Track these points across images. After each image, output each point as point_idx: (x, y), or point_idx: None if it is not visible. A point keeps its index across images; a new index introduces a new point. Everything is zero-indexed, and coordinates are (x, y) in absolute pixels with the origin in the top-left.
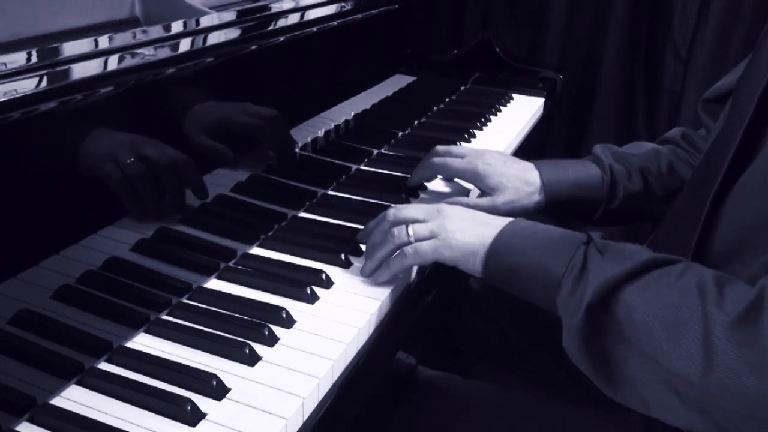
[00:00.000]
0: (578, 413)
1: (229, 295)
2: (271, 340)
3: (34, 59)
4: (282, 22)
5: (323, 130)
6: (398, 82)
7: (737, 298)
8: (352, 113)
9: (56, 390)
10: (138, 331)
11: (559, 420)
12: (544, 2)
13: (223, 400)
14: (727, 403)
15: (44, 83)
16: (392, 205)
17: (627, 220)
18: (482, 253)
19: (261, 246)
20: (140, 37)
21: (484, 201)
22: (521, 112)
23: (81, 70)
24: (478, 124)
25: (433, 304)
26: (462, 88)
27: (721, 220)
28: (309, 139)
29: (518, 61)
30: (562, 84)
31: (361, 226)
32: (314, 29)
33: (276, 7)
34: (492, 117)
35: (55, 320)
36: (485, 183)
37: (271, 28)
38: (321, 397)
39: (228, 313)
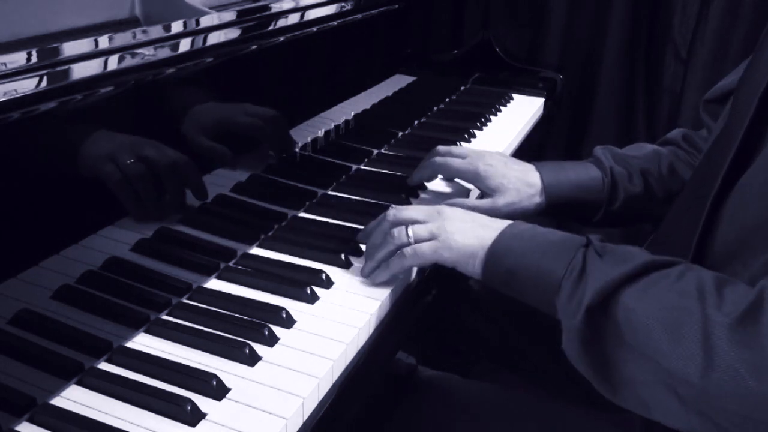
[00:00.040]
0: (578, 413)
1: (229, 295)
2: (271, 340)
3: (34, 59)
4: (282, 22)
5: (323, 130)
6: (398, 82)
7: (737, 300)
8: (352, 113)
9: (56, 390)
10: (138, 331)
11: (559, 420)
12: (544, 2)
13: (223, 400)
14: (727, 404)
15: (44, 83)
16: (392, 205)
17: (627, 221)
18: (481, 255)
19: (261, 246)
20: (140, 37)
21: (485, 203)
22: (521, 112)
23: (81, 70)
24: (478, 124)
25: (433, 304)
26: (462, 88)
27: (722, 220)
28: (309, 139)
29: (518, 61)
30: (562, 84)
31: (361, 226)
32: (314, 29)
33: (276, 7)
34: (492, 117)
35: (55, 320)
36: (486, 184)
37: (271, 28)
38: (321, 397)
39: (228, 313)
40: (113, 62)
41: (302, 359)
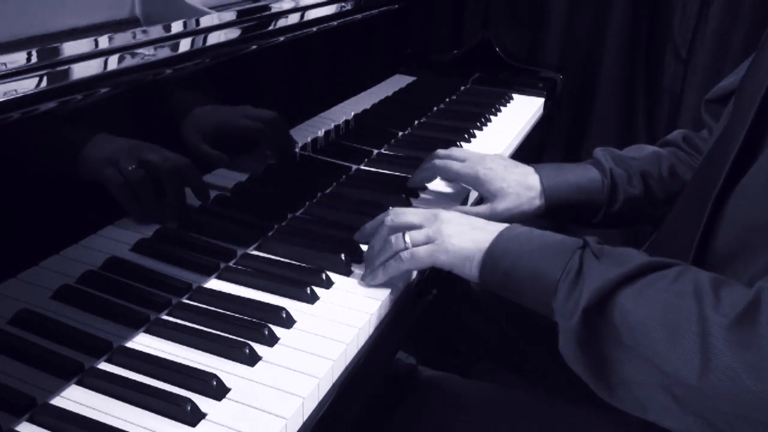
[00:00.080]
0: (578, 413)
1: (229, 295)
2: (271, 340)
3: (34, 59)
4: (282, 22)
5: (323, 130)
6: (398, 82)
7: (734, 300)
8: (352, 113)
9: (56, 390)
10: (138, 331)
11: (559, 420)
12: (544, 2)
13: (223, 400)
14: (725, 404)
15: (44, 83)
16: (390, 207)
17: (627, 223)
18: (478, 258)
19: (261, 246)
20: (140, 37)
21: (483, 209)
22: (521, 112)
23: (81, 70)
24: (478, 124)
25: (433, 305)
26: (462, 88)
27: (723, 221)
28: (309, 139)
29: (518, 61)
30: (562, 84)
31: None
32: (314, 29)
33: (276, 7)
34: (492, 117)
35: (55, 320)
36: (486, 189)
37: (271, 28)
38: (321, 397)
39: (228, 313)
40: (113, 62)
41: (302, 359)
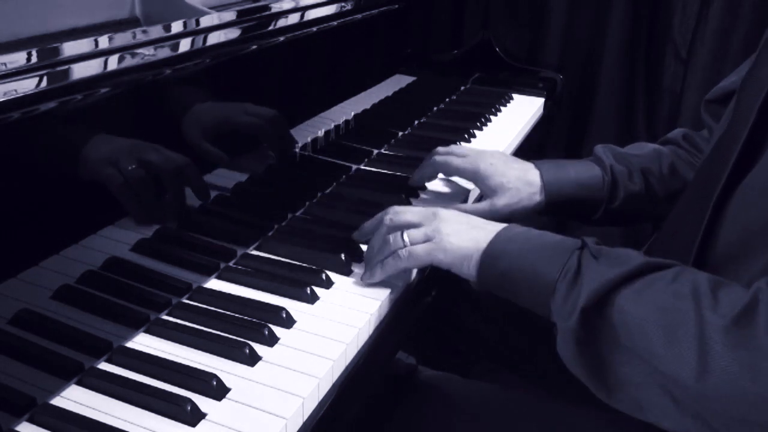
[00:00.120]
0: (578, 413)
1: (229, 295)
2: (271, 340)
3: (34, 59)
4: (282, 22)
5: (323, 130)
6: (398, 82)
7: (732, 301)
8: (352, 113)
9: (56, 390)
10: (138, 331)
11: (559, 420)
12: (544, 2)
13: (223, 400)
14: (723, 406)
15: (44, 83)
16: (390, 207)
17: (627, 220)
18: (476, 258)
19: (261, 246)
20: (140, 37)
21: (483, 205)
22: (521, 112)
23: (81, 70)
24: (478, 124)
25: (432, 305)
26: (462, 88)
27: (724, 222)
28: (309, 139)
29: (518, 61)
30: (562, 84)
31: None
32: (314, 29)
33: (276, 7)
34: (492, 117)
35: (55, 320)
36: (486, 183)
37: (271, 28)
38: (321, 397)
39: (228, 313)
40: (113, 62)
41: (302, 359)
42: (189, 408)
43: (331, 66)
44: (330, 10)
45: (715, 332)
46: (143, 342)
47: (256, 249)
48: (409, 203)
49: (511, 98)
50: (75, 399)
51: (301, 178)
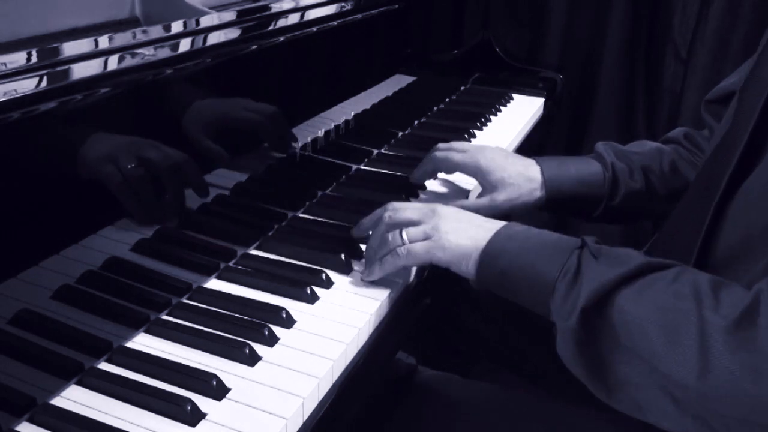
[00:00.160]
0: (578, 413)
1: (229, 295)
2: (271, 340)
3: (34, 59)
4: (282, 22)
5: (323, 130)
6: (398, 82)
7: (733, 302)
8: (352, 113)
9: (56, 390)
10: (138, 331)
11: (559, 420)
12: (544, 2)
13: (223, 400)
14: (724, 407)
15: (44, 83)
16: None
17: (628, 218)
18: (475, 256)
19: (261, 246)
20: (140, 37)
21: (483, 200)
22: (521, 112)
23: (81, 70)
24: (478, 124)
25: (432, 304)
26: (462, 88)
27: (726, 223)
28: (309, 139)
29: (518, 61)
30: (562, 84)
31: None
32: (314, 29)
33: (276, 7)
34: (492, 117)
35: (55, 320)
36: (487, 178)
37: (271, 28)
38: (321, 397)
39: (228, 313)
40: (113, 62)
41: (302, 359)
42: (189, 408)
43: (331, 66)
44: (330, 10)
45: (716, 333)
46: (143, 342)
47: (256, 249)
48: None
49: (511, 98)
50: (75, 399)
51: (301, 178)
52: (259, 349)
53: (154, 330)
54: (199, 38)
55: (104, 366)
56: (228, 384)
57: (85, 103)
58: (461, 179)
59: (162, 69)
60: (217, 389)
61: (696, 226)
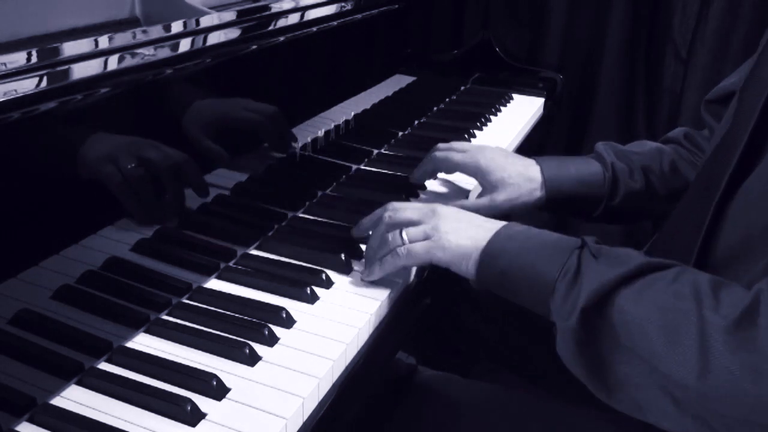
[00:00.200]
0: (578, 413)
1: (229, 295)
2: (271, 340)
3: (34, 59)
4: (282, 22)
5: (323, 130)
6: (398, 82)
7: (733, 302)
8: (352, 113)
9: (56, 390)
10: (138, 331)
11: (559, 420)
12: (544, 2)
13: (223, 400)
14: (724, 407)
15: (44, 83)
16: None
17: (628, 218)
18: (475, 256)
19: (261, 246)
20: (140, 37)
21: (483, 200)
22: (521, 112)
23: (81, 70)
24: (478, 124)
25: (432, 304)
26: (462, 88)
27: (726, 223)
28: (309, 139)
29: (518, 61)
30: (562, 84)
31: None
32: (314, 29)
33: (276, 7)
34: (492, 117)
35: (55, 320)
36: (487, 178)
37: (271, 28)
38: (321, 397)
39: (228, 313)
40: (113, 62)
41: (302, 359)
42: (189, 408)
43: (331, 66)
44: (330, 10)
45: (716, 333)
46: (143, 342)
47: (256, 249)
48: None
49: (511, 98)
50: (75, 399)
51: (301, 178)
52: (259, 349)
53: (154, 330)
54: (199, 38)
55: (104, 366)
56: (228, 384)
57: (85, 103)
58: (461, 179)
59: (162, 69)
60: (217, 389)
61: (696, 226)
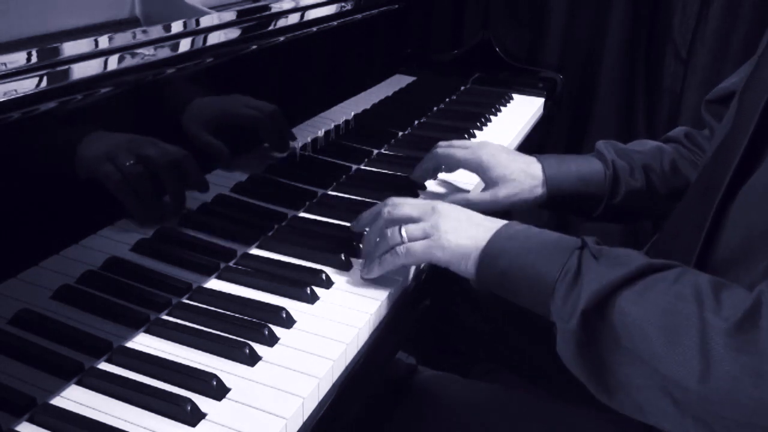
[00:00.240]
0: (578, 413)
1: (229, 295)
2: (271, 340)
3: (34, 59)
4: (282, 22)
5: (323, 130)
6: (398, 82)
7: (735, 304)
8: (352, 113)
9: (56, 390)
10: (138, 331)
11: (559, 420)
12: (544, 2)
13: (223, 400)
14: (725, 409)
15: (44, 83)
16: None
17: (628, 217)
18: (475, 256)
19: (261, 246)
20: (140, 37)
21: (485, 195)
22: (521, 112)
23: (81, 70)
24: (478, 124)
25: (432, 304)
26: (462, 88)
27: (726, 225)
28: (309, 139)
29: (518, 61)
30: (562, 84)
31: None
32: (314, 29)
33: (276, 7)
34: (492, 117)
35: (55, 320)
36: (489, 174)
37: (271, 28)
38: (321, 397)
39: (228, 313)
40: (113, 62)
41: (302, 359)
42: (189, 408)
43: (331, 66)
44: (330, 10)
45: (717, 335)
46: (143, 342)
47: (257, 248)
48: None
49: (511, 98)
50: (75, 399)
51: (301, 177)
52: (259, 349)
53: (154, 330)
54: (199, 38)
55: (104, 366)
56: (228, 384)
57: (85, 103)
58: (461, 180)
59: (162, 69)
60: (217, 389)
61: (697, 227)
